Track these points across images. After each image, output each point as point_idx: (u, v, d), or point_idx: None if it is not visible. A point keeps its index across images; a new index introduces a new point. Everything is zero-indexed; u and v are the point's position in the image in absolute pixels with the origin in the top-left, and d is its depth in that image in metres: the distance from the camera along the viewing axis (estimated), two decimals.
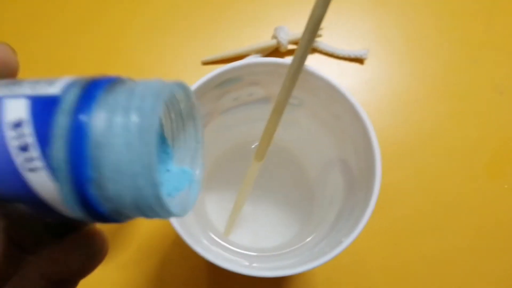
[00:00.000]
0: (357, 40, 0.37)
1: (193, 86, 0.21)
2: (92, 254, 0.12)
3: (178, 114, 0.13)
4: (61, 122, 0.09)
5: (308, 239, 0.25)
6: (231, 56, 0.35)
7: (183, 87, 0.11)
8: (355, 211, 0.21)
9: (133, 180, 0.09)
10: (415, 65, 0.36)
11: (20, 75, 0.12)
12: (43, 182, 0.09)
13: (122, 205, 0.09)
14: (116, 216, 0.10)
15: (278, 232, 0.29)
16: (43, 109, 0.09)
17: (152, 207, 0.09)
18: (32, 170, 0.09)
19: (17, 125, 0.09)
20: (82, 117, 0.09)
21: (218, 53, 0.35)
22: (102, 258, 0.12)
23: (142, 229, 0.31)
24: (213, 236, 0.25)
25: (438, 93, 0.35)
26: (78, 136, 0.09)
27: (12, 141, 0.09)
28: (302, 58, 0.20)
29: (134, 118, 0.09)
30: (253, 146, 0.30)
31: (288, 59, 0.21)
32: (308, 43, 0.19)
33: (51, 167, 0.09)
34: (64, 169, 0.09)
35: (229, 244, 0.26)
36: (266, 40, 0.36)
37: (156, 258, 0.30)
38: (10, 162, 0.09)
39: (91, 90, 0.09)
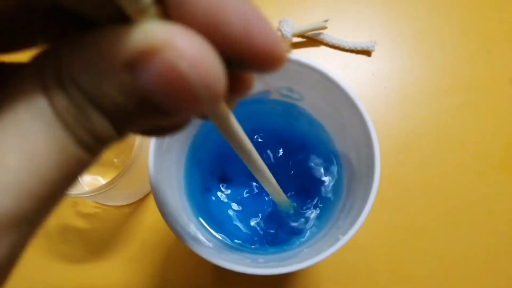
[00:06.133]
0: (364, 32, 0.36)
1: None
2: None
3: None
4: None
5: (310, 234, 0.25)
6: None
7: None
8: (354, 208, 0.20)
9: None
10: (425, 57, 0.35)
11: None
12: None
13: None
14: None
15: None
16: None
17: None
18: None
19: None
20: None
21: None
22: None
23: (145, 224, 0.30)
24: (213, 232, 0.25)
25: (448, 86, 0.34)
26: None
27: None
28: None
29: None
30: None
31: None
32: None
33: None
34: None
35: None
36: None
37: (160, 253, 0.30)
38: None
39: None
